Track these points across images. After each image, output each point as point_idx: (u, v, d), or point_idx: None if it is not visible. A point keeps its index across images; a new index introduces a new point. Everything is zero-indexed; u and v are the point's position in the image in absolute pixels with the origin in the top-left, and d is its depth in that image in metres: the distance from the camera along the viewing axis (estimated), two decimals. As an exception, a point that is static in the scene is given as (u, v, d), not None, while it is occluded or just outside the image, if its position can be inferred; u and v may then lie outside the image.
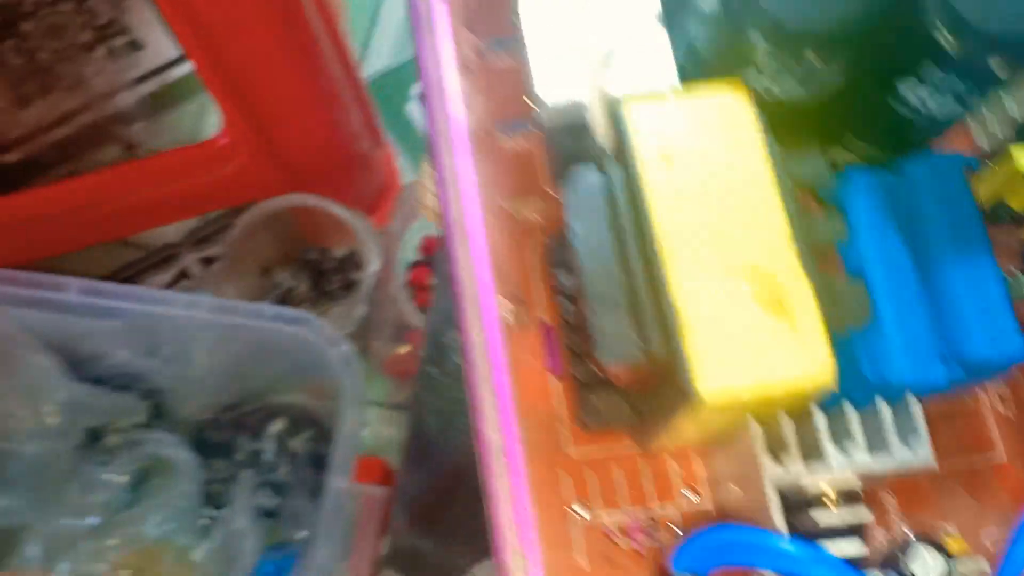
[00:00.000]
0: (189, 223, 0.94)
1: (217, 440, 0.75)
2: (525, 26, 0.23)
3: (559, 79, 0.23)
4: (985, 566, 0.23)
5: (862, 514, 0.21)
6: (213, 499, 0.71)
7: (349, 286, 0.92)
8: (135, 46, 0.97)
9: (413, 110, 1.03)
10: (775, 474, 0.20)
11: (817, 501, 0.21)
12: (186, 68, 0.98)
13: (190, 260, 0.93)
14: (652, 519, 0.25)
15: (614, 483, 0.25)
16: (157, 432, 0.71)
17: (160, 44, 0.97)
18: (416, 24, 0.28)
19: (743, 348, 0.19)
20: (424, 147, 0.96)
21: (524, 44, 0.23)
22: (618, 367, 0.20)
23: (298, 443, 0.76)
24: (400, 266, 0.84)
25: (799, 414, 0.21)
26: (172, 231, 0.94)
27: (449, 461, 0.51)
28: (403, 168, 0.97)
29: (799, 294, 0.19)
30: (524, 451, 0.25)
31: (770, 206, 0.20)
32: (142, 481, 0.69)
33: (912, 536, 0.23)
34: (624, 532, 0.25)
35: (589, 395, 0.24)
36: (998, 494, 0.24)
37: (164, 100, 0.97)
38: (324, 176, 0.82)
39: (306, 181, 0.82)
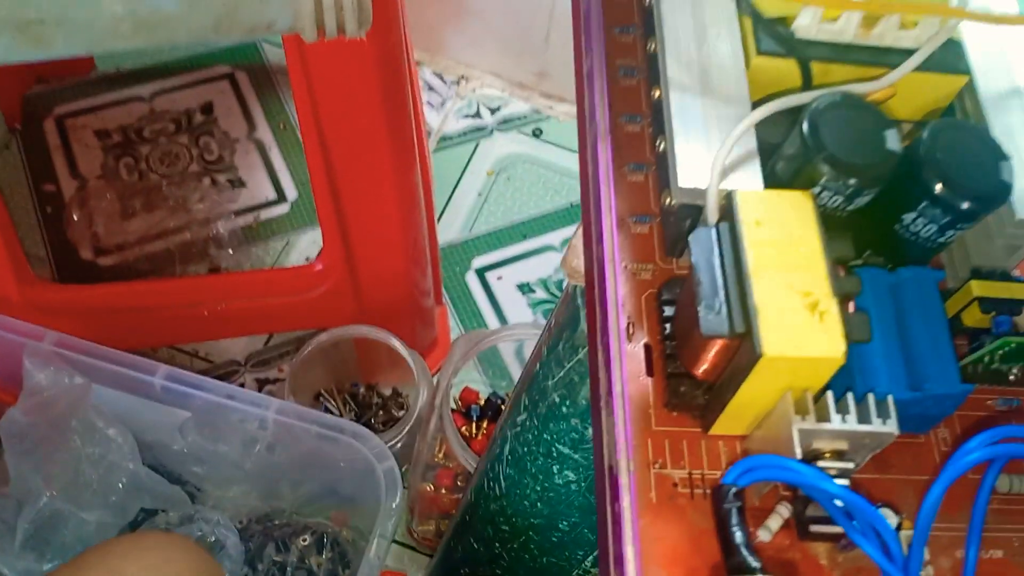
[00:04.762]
0: (254, 346, 1.04)
1: (245, 547, 0.78)
2: (677, 147, 0.39)
3: (692, 178, 0.38)
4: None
5: (847, 466, 0.35)
6: (231, 603, 0.75)
7: (388, 423, 1.00)
8: (238, 183, 1.07)
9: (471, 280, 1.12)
10: (799, 423, 0.34)
11: (820, 456, 0.35)
12: (279, 210, 1.09)
13: (248, 379, 1.02)
14: (702, 477, 0.38)
15: (681, 451, 0.39)
16: (212, 513, 0.76)
17: (260, 185, 1.08)
18: (585, 150, 0.44)
19: (792, 332, 0.34)
20: (476, 314, 1.07)
21: (674, 157, 0.39)
22: (711, 338, 0.34)
23: (318, 562, 0.80)
24: (443, 410, 0.88)
25: (818, 392, 0.35)
26: (238, 350, 1.03)
27: None
28: (452, 327, 1.09)
29: (829, 309, 0.34)
30: (627, 421, 0.38)
31: (816, 258, 0.35)
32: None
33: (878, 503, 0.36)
34: (683, 483, 0.38)
35: (676, 385, 0.38)
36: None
37: (254, 234, 1.07)
38: (390, 318, 0.91)
39: (373, 320, 0.90)
